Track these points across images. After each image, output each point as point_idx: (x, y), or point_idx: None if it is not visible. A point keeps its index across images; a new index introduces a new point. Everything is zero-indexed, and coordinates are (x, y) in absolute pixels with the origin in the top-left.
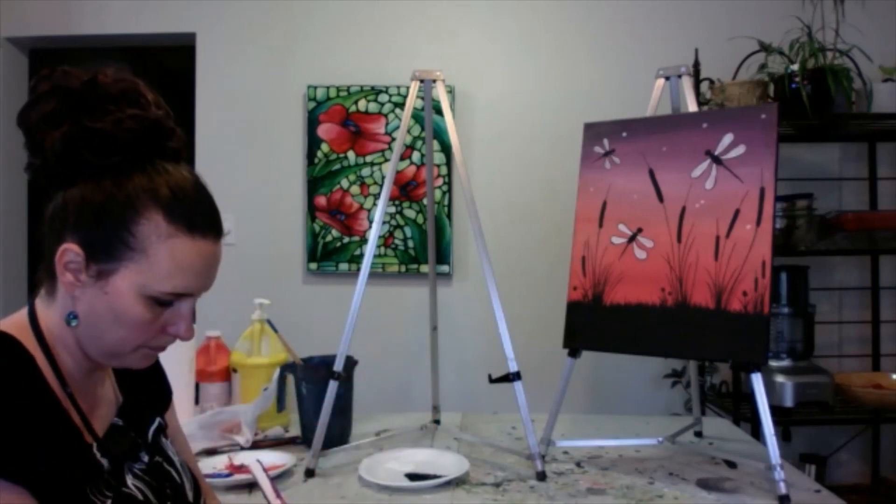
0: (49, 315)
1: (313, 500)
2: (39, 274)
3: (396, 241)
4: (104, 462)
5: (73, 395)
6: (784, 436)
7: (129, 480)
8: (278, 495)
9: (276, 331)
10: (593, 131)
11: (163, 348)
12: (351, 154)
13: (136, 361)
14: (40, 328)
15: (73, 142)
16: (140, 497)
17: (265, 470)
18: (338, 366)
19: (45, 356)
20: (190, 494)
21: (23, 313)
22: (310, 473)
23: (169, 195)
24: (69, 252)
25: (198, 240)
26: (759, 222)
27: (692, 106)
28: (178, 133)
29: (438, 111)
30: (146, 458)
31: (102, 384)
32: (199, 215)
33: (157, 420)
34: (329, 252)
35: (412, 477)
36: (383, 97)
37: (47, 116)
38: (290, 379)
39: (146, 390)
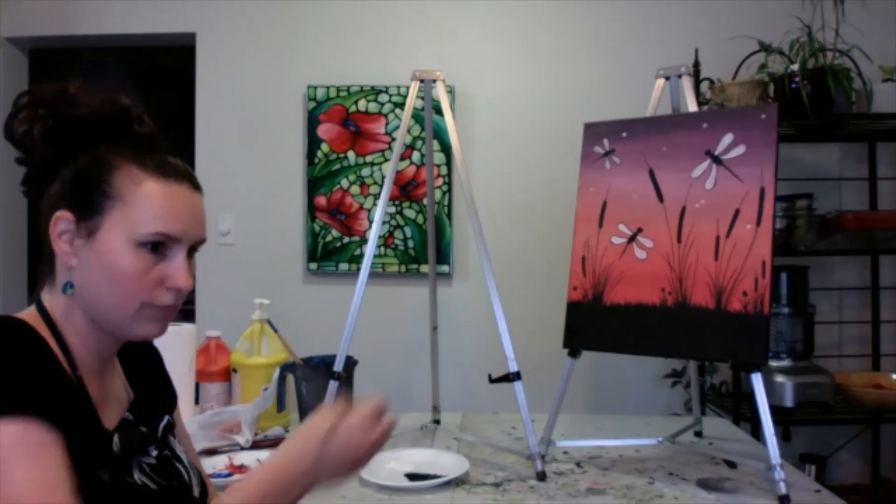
0: (55, 303)
1: (313, 500)
2: (41, 269)
3: (396, 241)
4: (114, 444)
5: (82, 380)
6: (784, 436)
7: (136, 475)
8: None
9: (276, 331)
10: (593, 131)
11: (169, 309)
12: (351, 154)
13: (145, 326)
14: (49, 316)
15: (51, 132)
16: (145, 490)
17: None
18: (338, 366)
19: (57, 342)
20: (196, 491)
21: (30, 308)
22: None
23: (139, 150)
24: (62, 220)
25: (172, 183)
26: (759, 222)
27: (692, 106)
28: (147, 119)
29: (438, 111)
30: (155, 453)
31: (112, 378)
32: (169, 166)
33: (167, 417)
34: (329, 252)
35: (412, 477)
36: (383, 97)
37: (27, 121)
38: (290, 379)
39: (155, 389)
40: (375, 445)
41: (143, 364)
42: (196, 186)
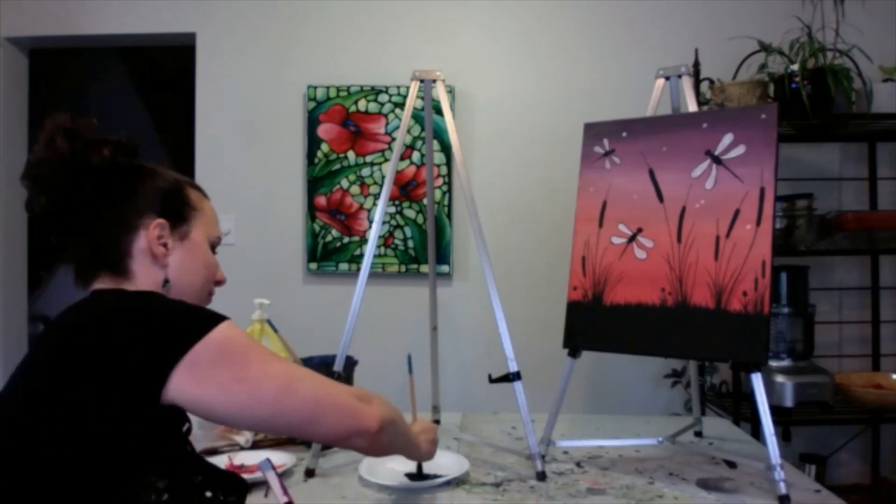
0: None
1: (313, 500)
2: (93, 270)
3: (396, 241)
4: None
5: None
6: (784, 436)
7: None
8: (285, 492)
9: (276, 331)
10: (593, 131)
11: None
12: (351, 154)
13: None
14: None
15: (113, 157)
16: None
17: (274, 467)
18: (338, 366)
19: None
20: None
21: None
22: (310, 473)
23: (183, 177)
24: (158, 227)
25: (208, 200)
26: (759, 222)
27: (692, 106)
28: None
29: (438, 111)
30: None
31: None
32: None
33: (187, 423)
34: (329, 252)
35: (412, 477)
36: (383, 97)
37: (101, 149)
38: None
39: None
40: (435, 441)
41: None
42: None
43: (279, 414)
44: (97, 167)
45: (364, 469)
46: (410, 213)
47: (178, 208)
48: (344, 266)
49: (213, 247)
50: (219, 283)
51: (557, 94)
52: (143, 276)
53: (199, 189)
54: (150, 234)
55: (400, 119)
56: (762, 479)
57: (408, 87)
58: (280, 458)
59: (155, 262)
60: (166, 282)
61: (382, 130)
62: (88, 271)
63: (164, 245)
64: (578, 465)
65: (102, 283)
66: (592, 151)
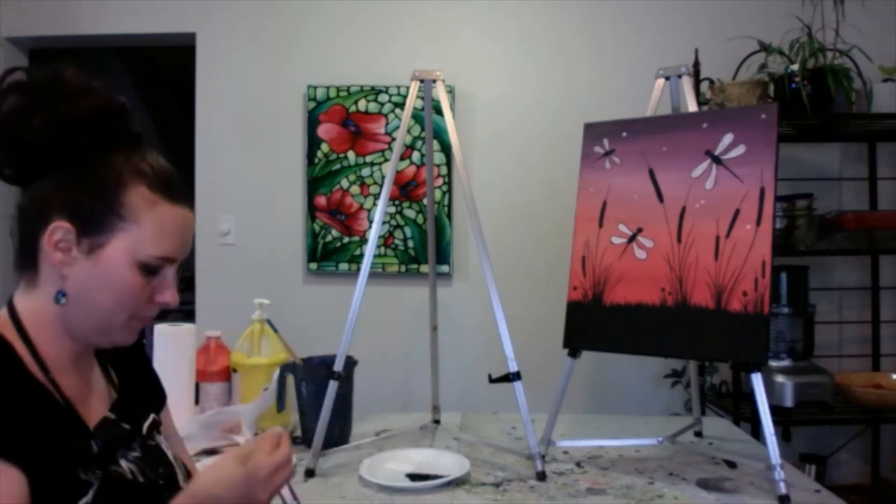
0: (29, 304)
1: (313, 500)
2: (19, 267)
3: (396, 241)
4: (93, 445)
5: (55, 382)
6: (784, 436)
7: (124, 464)
8: (294, 497)
9: (276, 331)
10: (593, 131)
11: (150, 319)
12: (351, 154)
13: (124, 335)
14: (19, 319)
15: (53, 127)
16: (129, 476)
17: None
18: (338, 366)
19: (26, 345)
20: (181, 479)
21: (3, 310)
22: (310, 473)
23: (150, 169)
24: (59, 230)
25: (177, 207)
26: (759, 222)
27: (692, 106)
28: (136, 118)
29: (438, 111)
30: (139, 449)
31: (90, 373)
32: (175, 186)
33: (152, 416)
34: (329, 252)
35: (413, 477)
36: (383, 97)
37: (18, 110)
38: (290, 379)
39: (141, 388)
40: (278, 467)
41: (127, 364)
42: (192, 204)
43: None
44: (21, 125)
45: (364, 469)
46: (410, 213)
47: (97, 214)
48: (344, 266)
49: (152, 268)
50: (163, 304)
51: (557, 94)
52: (46, 284)
53: (159, 191)
54: (47, 235)
55: (400, 119)
56: (762, 479)
57: (408, 87)
58: None
59: (55, 269)
60: (61, 295)
61: (382, 130)
62: (18, 272)
63: (67, 252)
64: (578, 465)
65: (18, 291)
66: (592, 151)
